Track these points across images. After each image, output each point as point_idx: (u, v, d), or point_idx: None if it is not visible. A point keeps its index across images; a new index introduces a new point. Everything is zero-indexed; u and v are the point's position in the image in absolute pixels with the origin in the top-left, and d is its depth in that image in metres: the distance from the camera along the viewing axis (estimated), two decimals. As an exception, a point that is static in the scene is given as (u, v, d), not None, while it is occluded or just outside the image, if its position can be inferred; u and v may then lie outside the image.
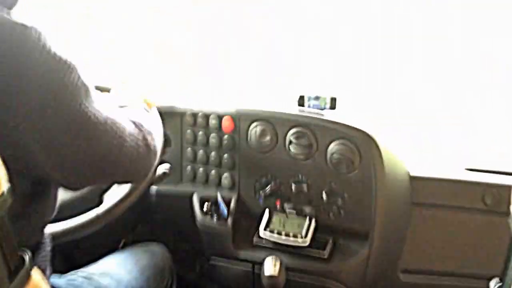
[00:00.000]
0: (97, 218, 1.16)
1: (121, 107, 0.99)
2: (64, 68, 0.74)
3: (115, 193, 1.20)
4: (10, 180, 0.67)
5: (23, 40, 0.71)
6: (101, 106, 0.80)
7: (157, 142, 0.96)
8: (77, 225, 1.15)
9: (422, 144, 1.84)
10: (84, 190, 1.23)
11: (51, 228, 1.12)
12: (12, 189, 0.67)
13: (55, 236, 1.13)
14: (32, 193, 0.81)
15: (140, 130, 0.90)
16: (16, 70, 0.70)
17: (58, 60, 0.73)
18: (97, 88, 0.92)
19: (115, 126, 0.82)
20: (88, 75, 0.79)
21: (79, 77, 0.76)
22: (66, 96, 0.74)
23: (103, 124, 0.79)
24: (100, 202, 1.21)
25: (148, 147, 0.90)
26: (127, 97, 1.08)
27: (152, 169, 0.95)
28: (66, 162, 0.77)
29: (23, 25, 0.72)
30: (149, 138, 0.91)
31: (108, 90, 1.14)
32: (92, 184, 0.88)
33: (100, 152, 0.80)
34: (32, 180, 0.80)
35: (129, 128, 0.86)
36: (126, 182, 0.92)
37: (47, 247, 0.93)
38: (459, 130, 2.01)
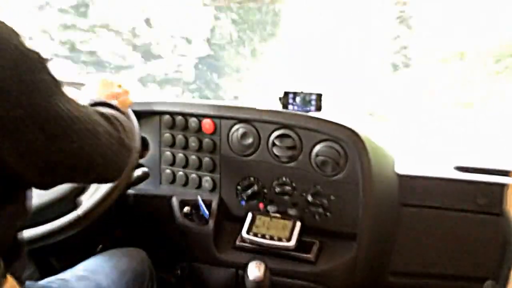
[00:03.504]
0: (77, 220, 1.13)
1: (94, 104, 0.97)
2: (36, 66, 0.72)
3: (92, 196, 1.17)
4: None
5: None
6: (74, 102, 0.78)
7: (131, 138, 0.93)
8: (55, 228, 1.12)
9: (412, 142, 1.81)
10: (58, 195, 1.20)
11: (27, 233, 1.09)
12: None
13: (31, 241, 1.10)
14: (1, 196, 0.78)
15: (113, 126, 0.87)
16: None
17: (30, 57, 0.71)
18: (70, 84, 0.89)
19: (88, 123, 0.79)
20: (59, 71, 0.77)
21: (49, 73, 0.74)
22: (38, 94, 0.71)
23: (76, 120, 0.77)
24: (75, 205, 1.17)
25: (121, 143, 0.88)
26: (100, 94, 1.06)
27: (126, 166, 0.92)
28: (40, 161, 0.75)
29: None
30: (122, 134, 0.89)
31: (80, 86, 1.12)
32: (65, 183, 0.86)
33: (74, 149, 0.77)
34: (1, 182, 0.76)
35: (102, 124, 0.84)
36: (100, 180, 0.89)
37: (23, 254, 0.90)
38: (450, 127, 1.98)
